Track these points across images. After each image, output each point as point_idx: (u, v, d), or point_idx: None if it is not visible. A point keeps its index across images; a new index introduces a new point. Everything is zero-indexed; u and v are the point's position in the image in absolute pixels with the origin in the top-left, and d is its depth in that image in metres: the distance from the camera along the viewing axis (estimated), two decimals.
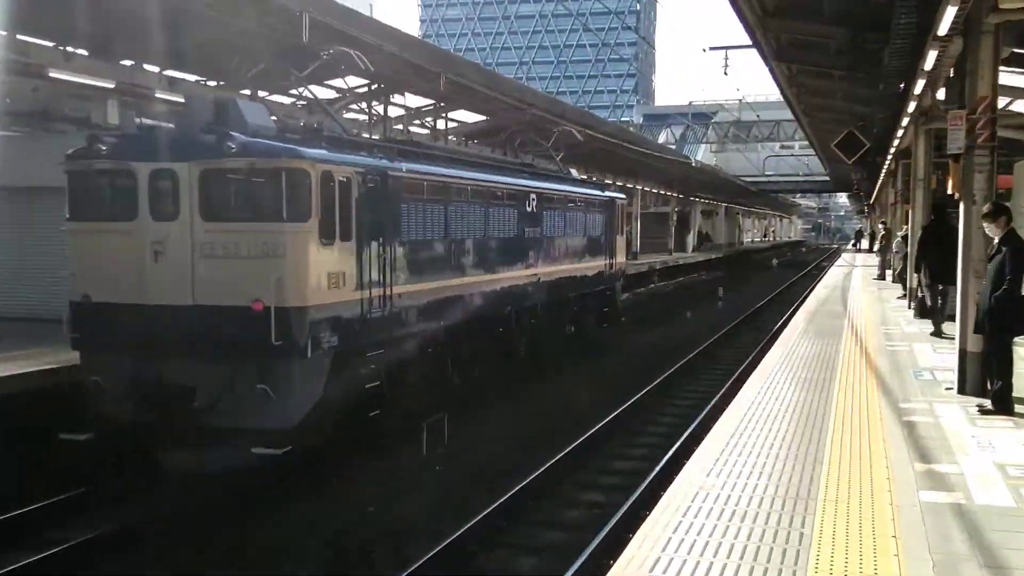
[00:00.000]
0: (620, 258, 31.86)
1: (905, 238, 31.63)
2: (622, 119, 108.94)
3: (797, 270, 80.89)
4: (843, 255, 75.04)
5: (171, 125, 15.94)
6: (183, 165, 14.96)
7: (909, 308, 26.29)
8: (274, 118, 16.71)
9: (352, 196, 15.93)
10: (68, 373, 16.54)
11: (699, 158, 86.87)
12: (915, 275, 23.16)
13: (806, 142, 57.89)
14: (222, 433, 14.65)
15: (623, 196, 32.68)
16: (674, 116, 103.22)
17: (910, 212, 28.09)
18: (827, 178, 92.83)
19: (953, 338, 15.29)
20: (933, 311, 21.38)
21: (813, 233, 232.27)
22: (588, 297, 29.03)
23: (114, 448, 15.27)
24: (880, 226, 45.25)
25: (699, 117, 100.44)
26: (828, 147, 37.47)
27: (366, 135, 23.38)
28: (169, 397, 14.84)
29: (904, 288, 30.66)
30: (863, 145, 31.75)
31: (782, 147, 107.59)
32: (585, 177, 39.74)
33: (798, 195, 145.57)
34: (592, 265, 29.01)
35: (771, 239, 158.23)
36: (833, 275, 44.73)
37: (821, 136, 43.04)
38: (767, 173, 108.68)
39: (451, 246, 19.65)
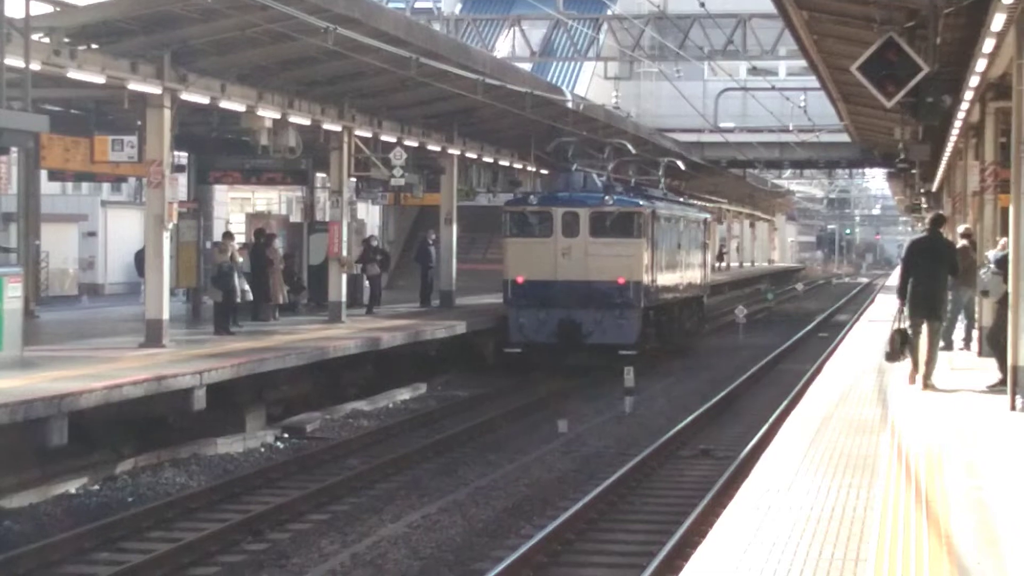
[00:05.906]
0: (709, 271, 45.11)
1: (1003, 262, 17.00)
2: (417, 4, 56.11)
3: (787, 329, 48.46)
4: (882, 298, 46.69)
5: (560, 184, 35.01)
6: (582, 209, 32.13)
7: (1014, 409, 15.41)
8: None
9: (649, 223, 32.80)
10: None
11: (583, 92, 54.39)
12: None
13: (801, 59, 29.95)
14: (598, 347, 31.50)
15: (710, 215, 50.67)
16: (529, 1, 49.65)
17: (1012, 209, 15.79)
18: (845, 138, 49.92)
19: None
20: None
21: (819, 250, 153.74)
22: (693, 301, 41.01)
23: (530, 356, 32.44)
24: (960, 237, 22.72)
25: (585, 5, 56.22)
26: (846, 72, 19.89)
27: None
28: (570, 329, 31.34)
29: (1002, 365, 16.95)
30: (915, 69, 16.74)
31: (752, 72, 58.10)
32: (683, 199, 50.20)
33: (787, 173, 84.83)
34: (698, 274, 41.31)
35: (731, 261, 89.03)
36: (860, 344, 26.32)
37: (832, 50, 23.34)
38: (722, 125, 56.67)
39: (666, 252, 35.77)
